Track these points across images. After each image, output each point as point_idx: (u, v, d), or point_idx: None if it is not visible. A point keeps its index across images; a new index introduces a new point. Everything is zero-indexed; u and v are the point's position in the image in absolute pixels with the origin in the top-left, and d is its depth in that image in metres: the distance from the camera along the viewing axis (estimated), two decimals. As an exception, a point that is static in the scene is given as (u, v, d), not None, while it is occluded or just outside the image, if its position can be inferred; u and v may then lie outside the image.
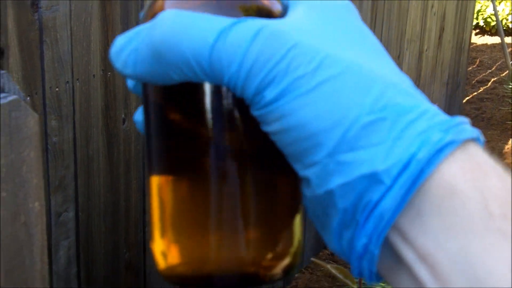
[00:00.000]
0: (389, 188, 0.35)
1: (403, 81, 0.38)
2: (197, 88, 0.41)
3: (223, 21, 0.37)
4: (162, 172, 0.44)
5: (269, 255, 0.42)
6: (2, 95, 1.04)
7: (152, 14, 0.42)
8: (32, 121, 1.07)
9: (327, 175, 0.37)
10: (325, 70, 0.36)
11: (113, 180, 2.37)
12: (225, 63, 0.37)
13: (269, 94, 0.37)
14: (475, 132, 0.37)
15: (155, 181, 0.44)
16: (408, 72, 4.17)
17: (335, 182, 0.36)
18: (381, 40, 3.74)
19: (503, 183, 0.35)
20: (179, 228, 0.44)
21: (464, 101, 5.07)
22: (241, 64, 0.37)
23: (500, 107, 5.10)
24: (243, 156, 0.41)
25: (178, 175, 0.44)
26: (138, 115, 0.47)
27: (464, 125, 0.37)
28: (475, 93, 5.43)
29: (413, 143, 0.35)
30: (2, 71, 1.07)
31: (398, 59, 3.99)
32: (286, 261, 0.43)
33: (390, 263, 0.38)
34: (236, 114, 0.41)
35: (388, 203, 0.35)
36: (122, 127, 2.32)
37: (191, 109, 0.41)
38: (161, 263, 0.44)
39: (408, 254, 0.36)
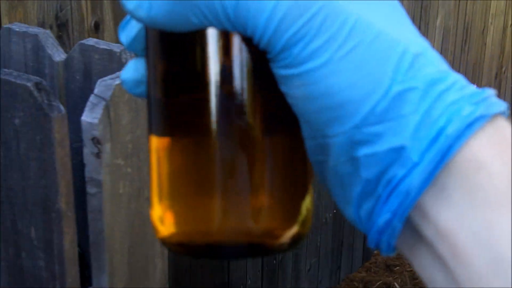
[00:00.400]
0: (416, 164, 0.34)
1: (431, 51, 0.36)
2: (214, 37, 0.38)
3: None
4: (166, 131, 0.41)
5: (277, 223, 0.40)
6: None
7: None
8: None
9: (353, 145, 0.35)
10: (357, 35, 0.35)
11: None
12: (252, 12, 0.35)
13: (299, 52, 0.35)
14: (504, 105, 0.35)
15: (157, 142, 0.41)
16: (491, 47, 4.09)
17: (362, 151, 0.35)
18: (465, 15, 3.66)
19: None
20: (181, 193, 0.40)
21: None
22: (271, 15, 0.34)
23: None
24: (255, 116, 0.38)
25: (183, 134, 0.40)
26: (127, 73, 0.42)
27: (492, 98, 0.35)
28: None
29: (442, 116, 0.34)
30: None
31: (483, 34, 3.91)
32: (294, 230, 0.40)
33: (409, 239, 0.36)
34: (253, 69, 0.38)
35: (415, 180, 0.34)
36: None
37: (204, 61, 0.38)
38: (160, 230, 0.41)
39: (428, 231, 0.35)
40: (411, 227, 0.36)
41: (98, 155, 1.03)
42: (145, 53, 0.41)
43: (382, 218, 0.35)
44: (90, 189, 1.06)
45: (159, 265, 1.21)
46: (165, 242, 0.42)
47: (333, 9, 0.35)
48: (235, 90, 0.38)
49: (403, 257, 3.21)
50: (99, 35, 1.86)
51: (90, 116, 1.03)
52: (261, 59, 0.37)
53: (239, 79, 0.38)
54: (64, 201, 1.04)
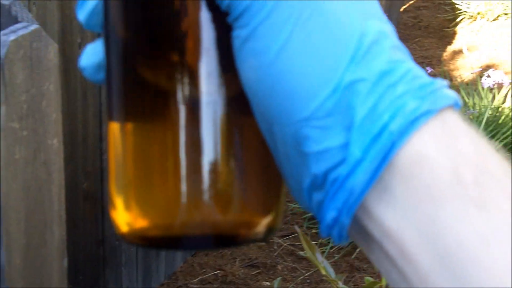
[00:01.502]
0: (360, 161, 0.33)
1: (388, 38, 0.35)
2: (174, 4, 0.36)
3: None
4: (123, 116, 0.38)
5: (249, 213, 0.37)
6: (21, 24, 0.94)
7: None
8: (52, 52, 0.98)
9: (301, 139, 0.34)
10: (318, 18, 0.34)
11: (70, 107, 2.29)
12: None
13: (258, 22, 0.34)
14: (452, 98, 0.34)
15: (115, 128, 0.38)
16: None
17: (309, 147, 0.34)
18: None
19: (476, 147, 0.33)
20: (140, 182, 0.37)
21: (401, 10, 5.09)
22: None
23: (437, 15, 5.15)
24: (223, 96, 0.36)
25: (141, 118, 0.37)
26: (86, 58, 0.40)
27: (442, 90, 0.34)
28: (412, 1, 5.46)
29: (387, 111, 0.33)
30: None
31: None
32: (268, 219, 0.38)
33: (361, 234, 0.35)
34: (218, 42, 0.36)
35: (359, 178, 0.33)
36: (78, 51, 2.22)
37: (165, 27, 0.36)
38: (121, 225, 0.38)
39: (375, 231, 0.34)
40: (360, 225, 0.35)
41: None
42: (103, 30, 0.39)
43: (330, 214, 0.34)
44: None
45: (57, 232, 1.14)
46: (126, 237, 0.38)
47: None
48: (200, 66, 0.36)
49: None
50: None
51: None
52: (224, 34, 0.35)
53: (206, 53, 0.36)
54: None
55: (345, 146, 0.33)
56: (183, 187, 0.36)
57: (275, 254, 2.74)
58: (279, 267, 2.70)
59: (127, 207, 0.37)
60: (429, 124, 0.33)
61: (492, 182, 0.33)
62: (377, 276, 1.14)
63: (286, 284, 2.58)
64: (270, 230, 0.38)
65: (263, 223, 0.37)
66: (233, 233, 0.37)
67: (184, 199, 0.36)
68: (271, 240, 2.89)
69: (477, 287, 0.31)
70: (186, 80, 0.36)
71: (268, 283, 2.56)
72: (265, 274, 2.66)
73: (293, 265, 2.68)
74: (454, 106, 0.35)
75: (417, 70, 0.34)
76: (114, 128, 0.38)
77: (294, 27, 0.34)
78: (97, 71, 0.40)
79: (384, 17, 0.36)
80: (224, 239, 0.38)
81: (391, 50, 0.34)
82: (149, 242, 0.38)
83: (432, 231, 0.32)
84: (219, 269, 2.67)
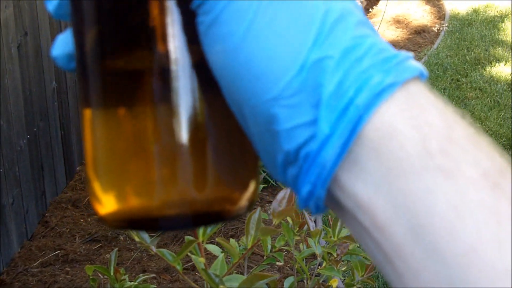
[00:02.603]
0: (329, 136, 0.34)
1: (353, 13, 0.36)
2: None
3: None
4: (96, 102, 0.38)
5: (224, 189, 0.38)
6: None
7: None
8: None
9: (271, 118, 0.35)
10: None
11: None
12: None
13: (222, 8, 0.34)
14: (417, 69, 0.35)
15: (89, 114, 0.38)
16: None
17: (279, 125, 0.34)
18: None
19: (443, 118, 0.34)
20: (116, 165, 0.38)
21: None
22: None
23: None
24: (191, 74, 0.37)
25: (116, 102, 0.38)
26: (57, 49, 0.41)
27: (407, 62, 0.35)
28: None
29: (353, 85, 0.34)
30: None
31: None
32: (247, 193, 0.38)
33: (337, 206, 0.36)
34: (184, 27, 0.36)
35: (328, 153, 0.34)
36: None
37: (131, 15, 0.36)
38: (100, 209, 0.38)
39: (349, 204, 0.35)
40: (334, 197, 0.35)
41: None
42: (71, 20, 0.39)
43: (305, 188, 0.35)
44: None
45: None
46: (106, 219, 0.38)
47: None
48: (169, 49, 0.36)
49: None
50: None
51: None
52: (190, 19, 0.36)
53: (173, 37, 0.36)
54: None
55: (314, 122, 0.34)
56: (158, 167, 0.36)
57: (115, 225, 2.71)
58: (121, 238, 2.68)
59: (105, 190, 0.38)
60: (395, 96, 0.33)
61: (458, 150, 0.33)
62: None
63: (130, 253, 2.56)
64: (250, 203, 0.39)
65: (243, 197, 0.38)
66: (213, 210, 0.38)
67: (159, 178, 0.36)
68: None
69: (450, 255, 0.31)
70: (154, 64, 0.36)
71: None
72: (108, 247, 2.63)
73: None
74: (419, 77, 0.35)
75: (382, 44, 0.35)
76: (88, 114, 0.38)
77: (257, 10, 0.34)
78: (69, 60, 0.40)
79: None
80: (205, 217, 0.38)
81: (356, 26, 0.35)
82: (129, 224, 0.38)
83: (403, 203, 0.32)
84: (59, 249, 2.60)
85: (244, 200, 0.38)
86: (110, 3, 0.37)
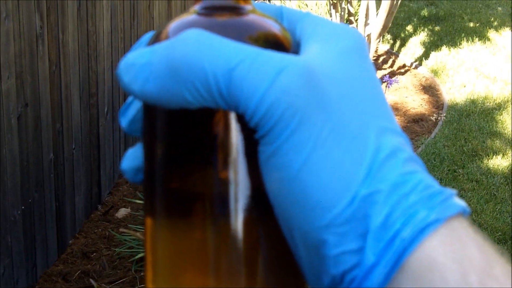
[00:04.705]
0: (374, 265, 0.36)
1: (402, 148, 0.38)
2: (207, 115, 0.38)
3: (248, 48, 0.37)
4: (158, 214, 0.40)
5: None
6: None
7: (159, 41, 0.40)
8: None
9: (320, 243, 0.37)
10: (336, 134, 0.37)
11: None
12: (246, 90, 0.36)
13: (285, 139, 0.37)
14: (460, 206, 0.37)
15: (154, 224, 0.41)
16: (159, 19, 4.21)
17: (328, 250, 0.37)
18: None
19: (482, 253, 0.36)
20: (173, 276, 0.40)
21: None
22: (264, 95, 0.36)
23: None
24: (252, 195, 0.39)
25: (176, 216, 0.40)
26: (127, 162, 0.44)
27: (451, 199, 0.37)
28: None
29: (399, 219, 0.36)
30: None
31: (149, 9, 3.99)
32: None
33: None
34: (246, 151, 0.38)
35: (373, 281, 0.36)
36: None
37: (200, 139, 0.39)
38: None
39: None
40: None
41: None
42: (142, 136, 0.42)
43: None
44: None
45: None
46: None
47: (321, 97, 0.37)
48: (231, 172, 0.38)
49: (99, 243, 3.18)
50: None
51: None
52: (252, 149, 0.38)
53: (235, 164, 0.38)
54: None
55: (360, 250, 0.36)
56: (211, 284, 0.38)
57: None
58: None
59: None
60: (438, 231, 0.36)
61: (496, 285, 0.34)
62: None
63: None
64: None
65: None
66: None
67: None
68: (99, 285, 2.80)
69: None
70: (217, 187, 0.38)
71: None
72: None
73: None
74: (462, 213, 0.37)
75: (428, 180, 0.37)
76: (149, 222, 0.41)
77: (315, 144, 0.36)
78: (136, 173, 0.43)
79: (398, 129, 0.39)
80: None
81: (405, 163, 0.37)
82: None
83: None
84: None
85: None
86: (183, 127, 0.39)
